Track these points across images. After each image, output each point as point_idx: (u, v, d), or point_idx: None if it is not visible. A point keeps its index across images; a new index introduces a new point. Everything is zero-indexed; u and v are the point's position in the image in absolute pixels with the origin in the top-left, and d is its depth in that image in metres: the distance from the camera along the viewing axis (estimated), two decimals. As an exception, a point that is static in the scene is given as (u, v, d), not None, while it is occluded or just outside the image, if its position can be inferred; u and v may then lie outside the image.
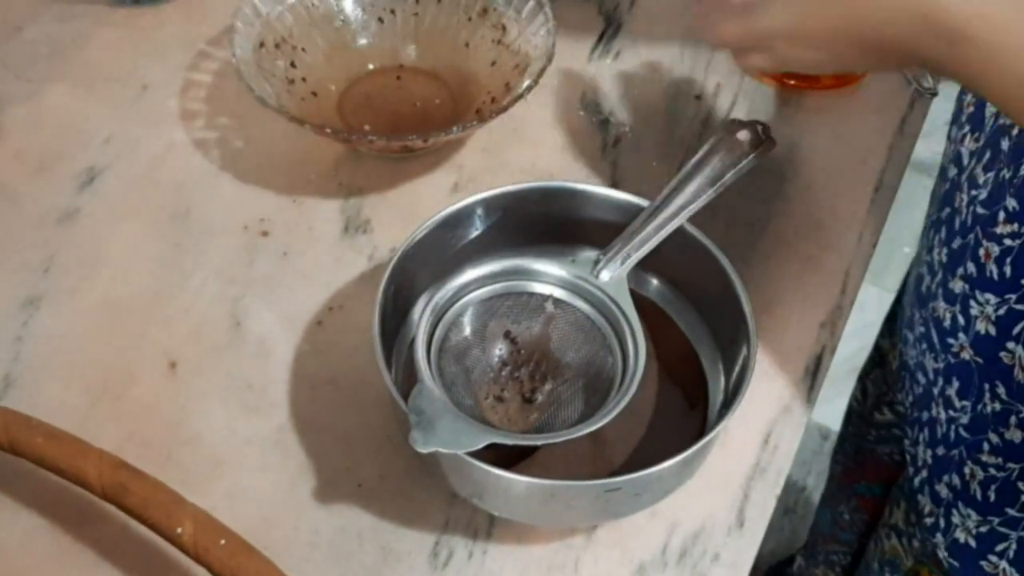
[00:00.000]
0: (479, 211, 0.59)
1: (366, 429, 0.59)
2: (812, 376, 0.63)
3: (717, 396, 0.58)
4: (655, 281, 0.63)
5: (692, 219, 0.58)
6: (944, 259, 0.62)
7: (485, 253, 0.60)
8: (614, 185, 0.72)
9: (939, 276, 0.63)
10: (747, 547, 0.56)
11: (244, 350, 0.62)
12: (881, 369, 0.88)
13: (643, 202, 0.59)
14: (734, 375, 0.57)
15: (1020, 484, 0.58)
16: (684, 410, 0.59)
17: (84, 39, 0.78)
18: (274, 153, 0.72)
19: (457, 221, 0.59)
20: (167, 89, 0.75)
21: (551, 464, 0.56)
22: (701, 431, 0.58)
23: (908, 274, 0.85)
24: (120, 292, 0.64)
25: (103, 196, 0.69)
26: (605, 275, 0.58)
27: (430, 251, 0.58)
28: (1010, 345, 0.56)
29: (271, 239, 0.67)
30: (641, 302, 0.62)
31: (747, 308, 0.55)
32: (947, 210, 0.64)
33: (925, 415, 0.65)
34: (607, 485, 0.49)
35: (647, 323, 0.62)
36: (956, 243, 0.61)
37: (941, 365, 0.63)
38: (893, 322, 0.86)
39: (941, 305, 0.62)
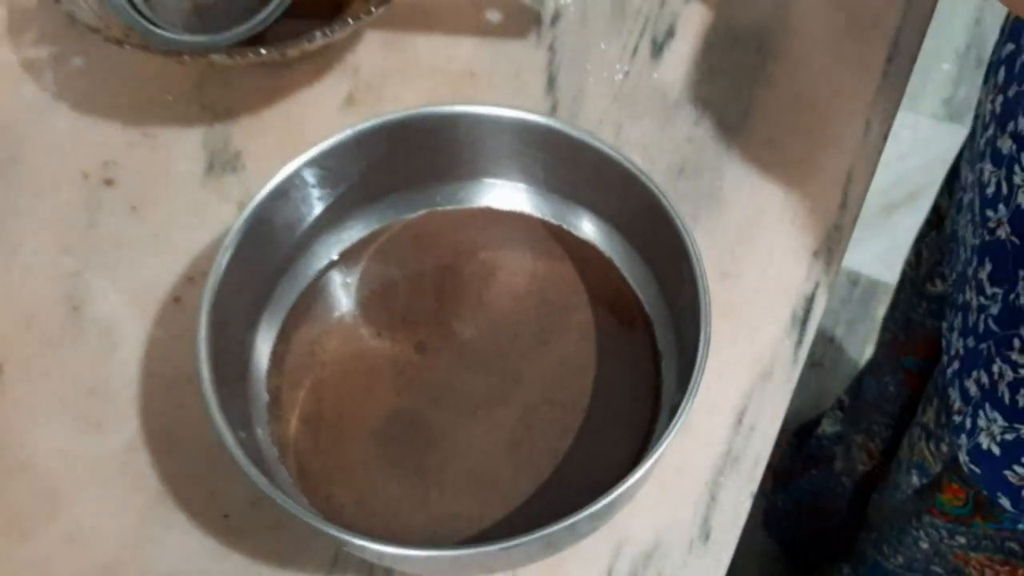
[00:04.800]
0: (349, 151, 0.45)
1: (234, 440, 0.47)
2: (801, 326, 0.50)
3: (671, 376, 0.45)
4: (585, 217, 0.48)
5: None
6: (998, 109, 0.50)
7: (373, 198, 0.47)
8: (550, 80, 0.57)
9: (990, 131, 0.51)
10: (713, 567, 0.45)
11: (84, 344, 0.50)
12: (938, 233, 0.75)
13: (567, 128, 0.45)
14: (690, 351, 0.43)
15: None
16: (632, 391, 0.46)
17: None
18: (121, 72, 0.57)
19: (323, 166, 0.45)
20: (-12, -7, 0.60)
21: (462, 457, 0.44)
22: (654, 415, 0.45)
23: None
24: (-67, 275, 0.52)
25: (-90, 146, 0.55)
26: None
27: (285, 212, 0.45)
28: None
29: (117, 188, 0.54)
30: (575, 246, 0.49)
31: (697, 265, 0.41)
32: (1010, 47, 0.51)
33: (960, 298, 0.54)
34: (505, 545, 0.37)
35: (581, 272, 0.49)
36: (1012, 91, 0.50)
37: (978, 242, 0.51)
38: (955, 179, 0.73)
39: (988, 167, 0.50)
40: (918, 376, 0.84)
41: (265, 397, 0.45)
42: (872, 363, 0.97)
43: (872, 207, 1.51)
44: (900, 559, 0.68)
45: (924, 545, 0.63)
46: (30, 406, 0.48)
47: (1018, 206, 0.46)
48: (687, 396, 0.39)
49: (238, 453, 0.38)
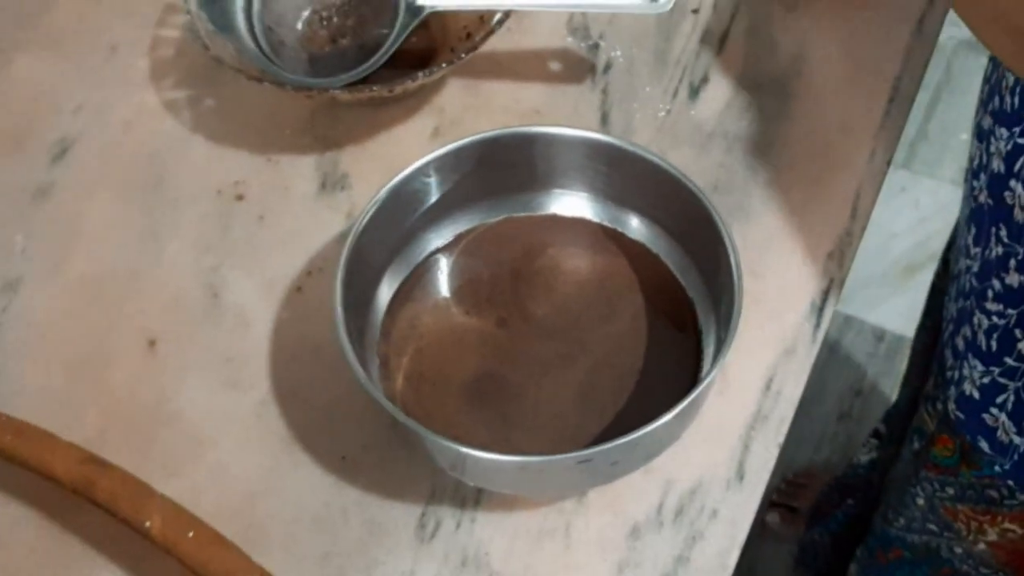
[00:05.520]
0: (448, 163, 0.56)
1: (348, 398, 0.57)
2: (818, 313, 0.59)
3: (710, 345, 0.55)
4: (637, 221, 0.59)
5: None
6: (984, 95, 0.60)
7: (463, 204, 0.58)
8: (604, 117, 0.68)
9: (978, 115, 0.61)
10: (747, 501, 0.54)
11: (223, 322, 0.60)
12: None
13: (627, 145, 0.55)
14: (726, 326, 0.53)
15: (1017, 332, 0.56)
16: (678, 360, 0.56)
17: (49, 1, 0.75)
18: (247, 110, 0.69)
19: (427, 174, 0.56)
20: (136, 48, 0.72)
21: (537, 408, 0.53)
22: (695, 379, 0.55)
23: None
24: (97, 269, 0.63)
25: (76, 168, 0.67)
26: None
27: (396, 213, 0.56)
28: (1012, 183, 0.54)
29: (246, 203, 0.65)
30: (628, 245, 0.59)
31: (730, 247, 0.51)
32: None
33: (955, 268, 0.63)
34: (578, 457, 0.46)
35: (634, 266, 0.58)
36: (994, 77, 0.59)
37: (967, 212, 0.61)
38: None
39: (975, 144, 0.60)
40: None
41: (377, 361, 0.55)
42: (905, 377, 1.04)
43: (896, 267, 1.60)
44: (901, 520, 0.76)
45: (920, 501, 0.71)
46: (179, 371, 0.59)
47: (992, 171, 0.56)
48: (724, 345, 0.48)
49: (371, 387, 0.48)
